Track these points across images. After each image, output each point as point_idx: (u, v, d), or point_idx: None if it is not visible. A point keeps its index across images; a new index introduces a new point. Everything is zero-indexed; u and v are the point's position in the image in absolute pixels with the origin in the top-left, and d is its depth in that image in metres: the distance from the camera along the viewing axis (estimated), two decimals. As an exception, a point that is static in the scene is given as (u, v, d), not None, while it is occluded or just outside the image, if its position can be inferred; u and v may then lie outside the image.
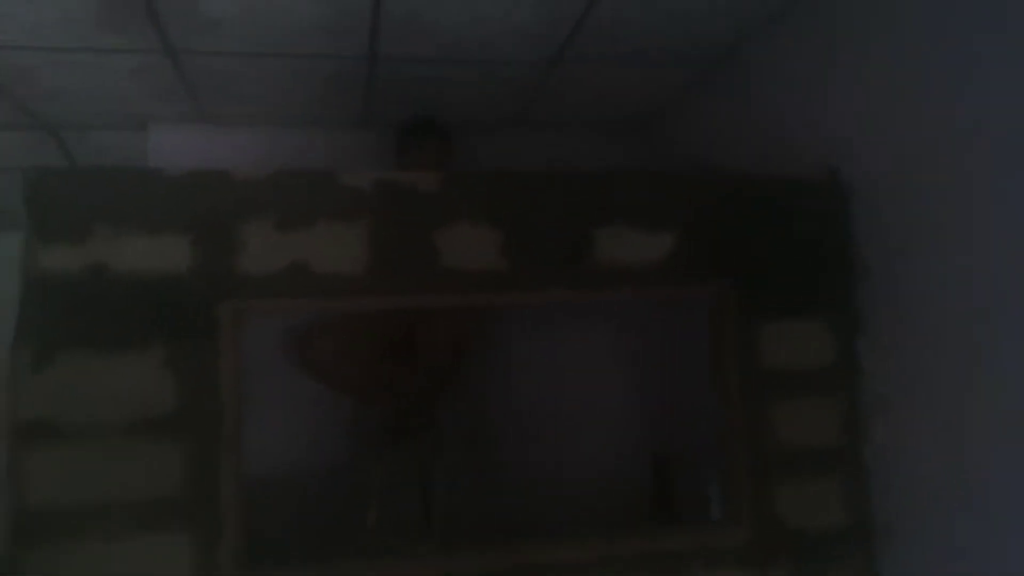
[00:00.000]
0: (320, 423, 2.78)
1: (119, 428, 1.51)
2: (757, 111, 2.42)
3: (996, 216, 1.53)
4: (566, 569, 1.70)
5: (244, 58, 2.38)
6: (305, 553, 2.44)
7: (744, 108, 2.49)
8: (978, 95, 1.57)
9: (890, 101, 1.83)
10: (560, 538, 1.78)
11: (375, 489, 2.50)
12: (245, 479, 1.60)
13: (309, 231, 1.65)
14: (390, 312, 2.43)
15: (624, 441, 3.04)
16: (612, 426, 3.05)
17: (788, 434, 1.84)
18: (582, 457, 2.99)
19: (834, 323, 1.91)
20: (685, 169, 2.77)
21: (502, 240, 1.75)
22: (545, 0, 2.12)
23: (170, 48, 2.28)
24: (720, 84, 2.65)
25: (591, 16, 2.23)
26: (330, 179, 1.68)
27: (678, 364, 2.93)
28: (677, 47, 2.48)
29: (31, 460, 1.47)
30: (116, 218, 1.56)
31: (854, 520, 1.86)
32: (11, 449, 1.46)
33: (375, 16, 2.15)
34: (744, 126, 2.48)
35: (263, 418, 2.39)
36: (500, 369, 2.79)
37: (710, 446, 2.64)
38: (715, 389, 1.91)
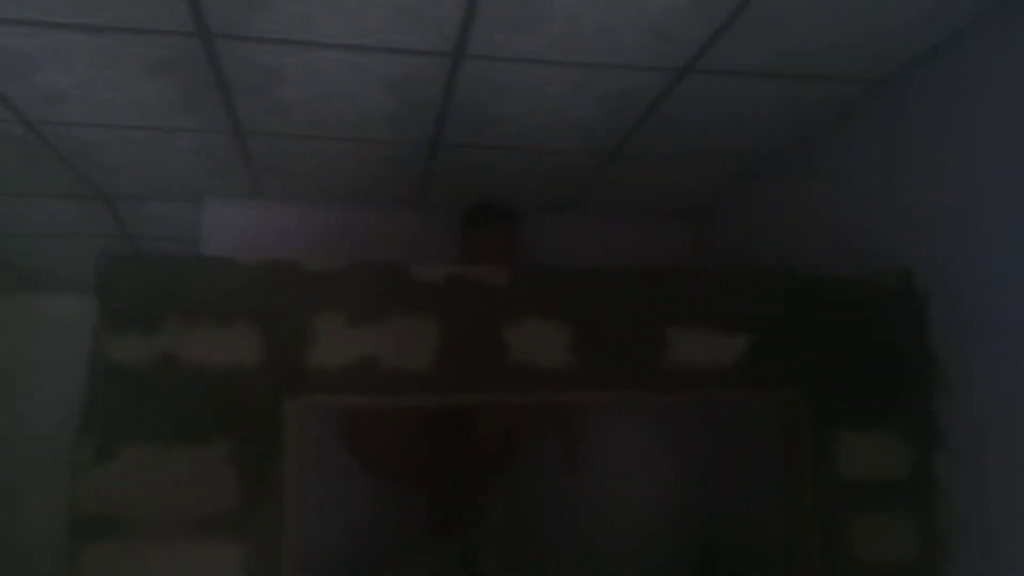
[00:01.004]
0: (368, 511, 2.71)
1: (179, 524, 1.45)
2: (819, 203, 2.37)
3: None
4: None
5: (308, 140, 2.40)
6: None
7: (805, 200, 2.46)
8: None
9: (965, 198, 1.79)
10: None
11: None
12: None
13: (380, 325, 1.61)
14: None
15: (674, 533, 2.97)
16: (662, 519, 2.98)
17: (864, 551, 1.76)
18: (630, 549, 2.90)
19: (910, 433, 1.83)
20: (754, 266, 2.72)
21: (571, 336, 1.71)
22: (609, 98, 2.14)
23: (239, 129, 2.31)
24: (780, 175, 2.61)
25: (653, 114, 2.24)
26: (403, 273, 1.66)
27: (732, 460, 2.85)
28: (738, 146, 2.48)
29: (89, 555, 1.42)
30: (187, 307, 1.53)
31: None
32: (70, 542, 1.42)
33: (443, 107, 2.17)
34: (805, 219, 2.44)
35: (312, 506, 2.33)
36: (550, 459, 2.71)
37: (760, 546, 2.54)
38: (787, 497, 1.83)
